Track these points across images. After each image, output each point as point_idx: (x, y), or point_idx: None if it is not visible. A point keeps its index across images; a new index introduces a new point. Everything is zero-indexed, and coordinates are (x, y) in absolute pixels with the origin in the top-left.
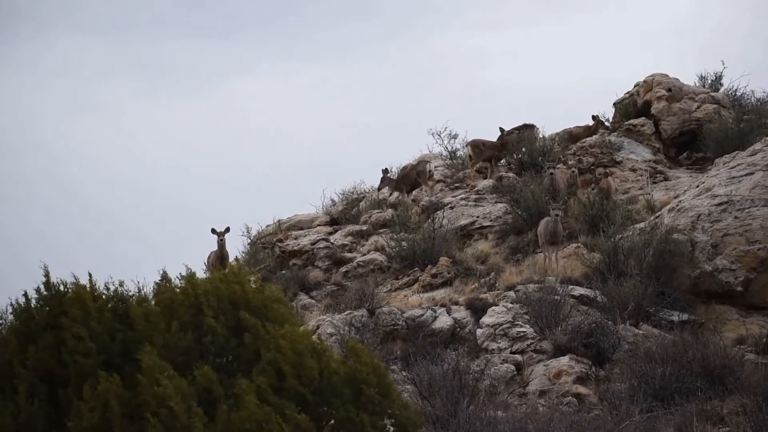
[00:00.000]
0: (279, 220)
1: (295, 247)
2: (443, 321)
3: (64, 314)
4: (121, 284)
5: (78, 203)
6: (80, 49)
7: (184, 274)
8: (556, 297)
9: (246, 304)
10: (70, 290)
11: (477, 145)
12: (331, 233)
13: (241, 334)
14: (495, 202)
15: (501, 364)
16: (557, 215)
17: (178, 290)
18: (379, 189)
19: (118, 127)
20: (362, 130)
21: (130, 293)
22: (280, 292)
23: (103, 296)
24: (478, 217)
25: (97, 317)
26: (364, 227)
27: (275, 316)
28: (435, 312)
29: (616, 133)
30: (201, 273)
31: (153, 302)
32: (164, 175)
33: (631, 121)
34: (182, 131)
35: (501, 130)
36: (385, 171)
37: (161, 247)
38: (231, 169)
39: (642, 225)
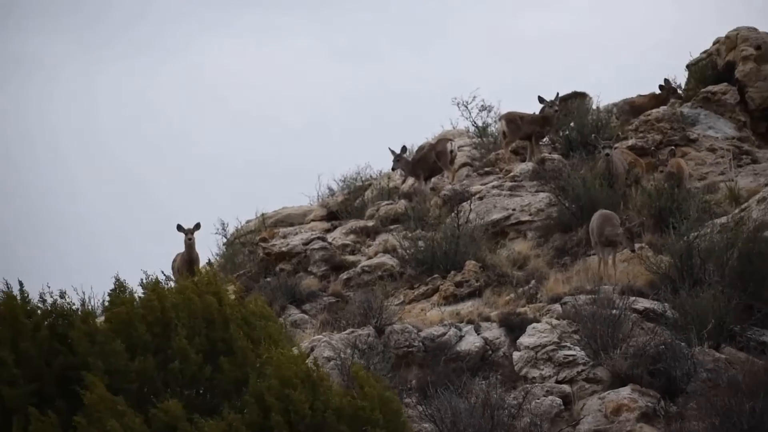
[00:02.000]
0: (263, 214)
1: (283, 248)
2: (470, 342)
3: None
4: (62, 295)
5: (15, 195)
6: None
7: (144, 281)
8: (614, 311)
9: (224, 321)
10: None
11: (513, 120)
12: (328, 230)
13: (216, 359)
14: (536, 192)
15: (544, 396)
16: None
17: (138, 303)
18: (393, 169)
19: (56, 91)
20: (365, 98)
21: (74, 306)
22: (265, 305)
23: (39, 311)
24: (514, 210)
25: (31, 337)
26: (371, 223)
27: (261, 335)
28: (460, 330)
29: (690, 104)
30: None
31: (103, 318)
32: (114, 151)
33: (710, 88)
34: (142, 98)
35: (541, 100)
36: (403, 149)
37: (110, 246)
38: (202, 148)
39: (724, 220)
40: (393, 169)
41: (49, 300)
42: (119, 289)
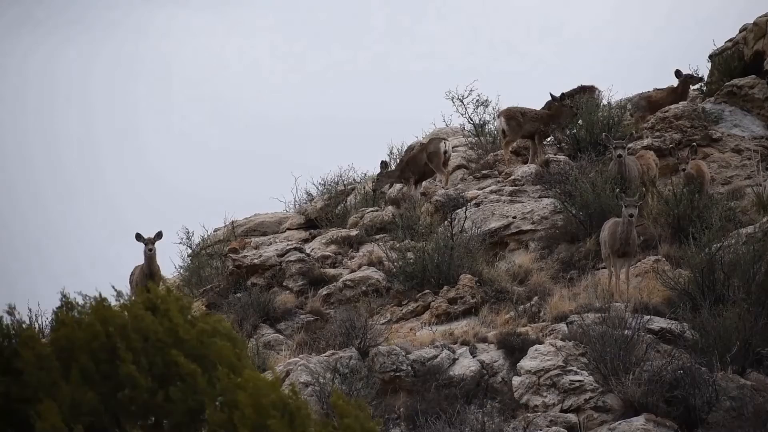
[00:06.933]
0: (233, 222)
1: (255, 260)
2: (465, 365)
3: None
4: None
5: None
6: None
7: (91, 299)
8: (626, 332)
9: (177, 341)
10: None
11: (513, 116)
12: (306, 240)
13: (171, 384)
14: (539, 197)
15: (548, 426)
16: (631, 216)
17: (80, 324)
18: (374, 190)
19: None
20: (350, 91)
21: (13, 327)
22: (225, 323)
23: None
24: (515, 217)
25: None
26: (354, 232)
27: (218, 358)
28: (453, 352)
29: (713, 99)
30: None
31: (48, 341)
32: (59, 145)
33: (736, 81)
34: (88, 82)
35: (552, 96)
36: (384, 165)
37: (58, 260)
38: (163, 145)
39: (750, 229)
40: (375, 190)
41: None
42: (67, 306)
